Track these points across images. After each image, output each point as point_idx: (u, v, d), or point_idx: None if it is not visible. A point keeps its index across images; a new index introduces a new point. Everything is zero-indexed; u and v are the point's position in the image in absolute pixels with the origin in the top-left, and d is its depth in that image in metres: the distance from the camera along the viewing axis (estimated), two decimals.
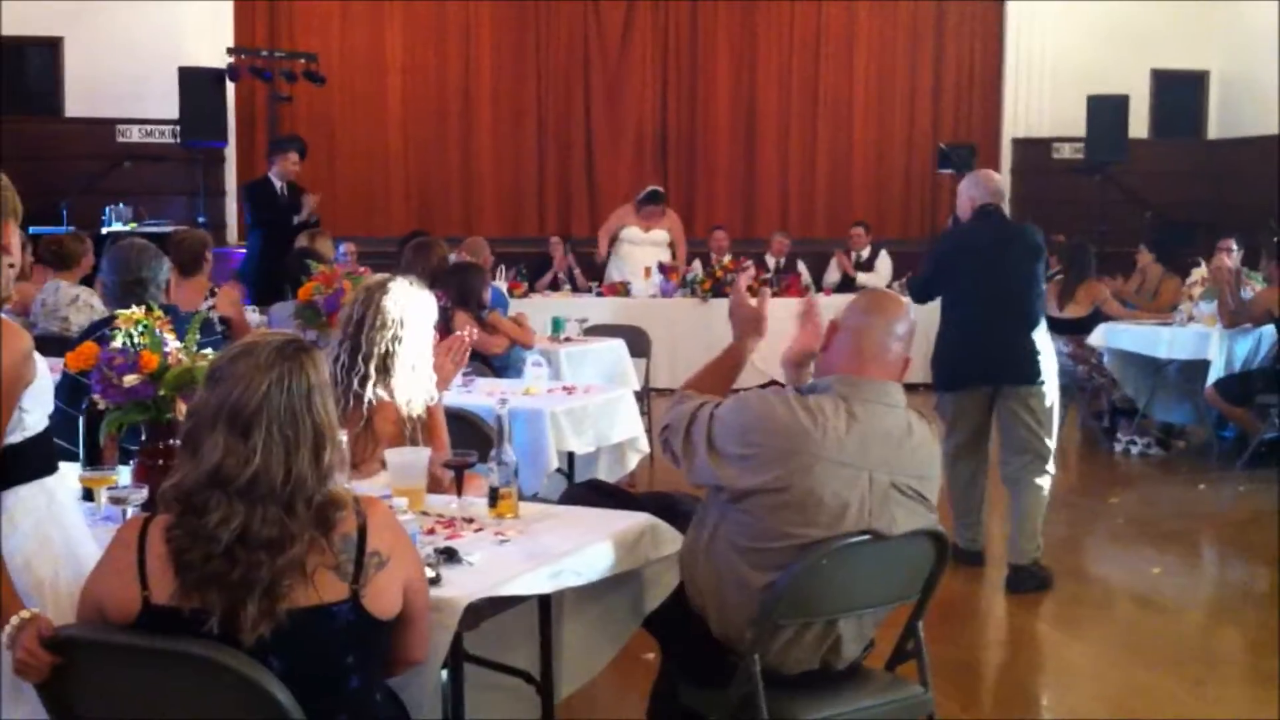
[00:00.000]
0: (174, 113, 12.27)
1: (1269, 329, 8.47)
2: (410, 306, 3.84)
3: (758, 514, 3.07)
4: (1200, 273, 10.21)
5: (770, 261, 12.70)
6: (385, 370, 3.78)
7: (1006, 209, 6.52)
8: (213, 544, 2.29)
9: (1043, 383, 5.88)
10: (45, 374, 2.67)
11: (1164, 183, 14.10)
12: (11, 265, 2.70)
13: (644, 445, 6.23)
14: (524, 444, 5.09)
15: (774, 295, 11.34)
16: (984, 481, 6.17)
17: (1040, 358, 5.89)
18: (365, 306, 3.82)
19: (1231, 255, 10.01)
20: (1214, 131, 14.88)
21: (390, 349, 3.78)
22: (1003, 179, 6.60)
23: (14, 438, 2.58)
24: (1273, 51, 13.36)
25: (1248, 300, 8.65)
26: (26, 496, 2.64)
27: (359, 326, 3.80)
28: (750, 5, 14.35)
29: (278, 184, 10.38)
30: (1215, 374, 8.57)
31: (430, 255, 7.12)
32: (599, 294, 11.72)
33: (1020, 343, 5.89)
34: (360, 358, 3.78)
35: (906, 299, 3.77)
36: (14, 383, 2.53)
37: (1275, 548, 6.62)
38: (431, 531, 3.13)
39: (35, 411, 2.63)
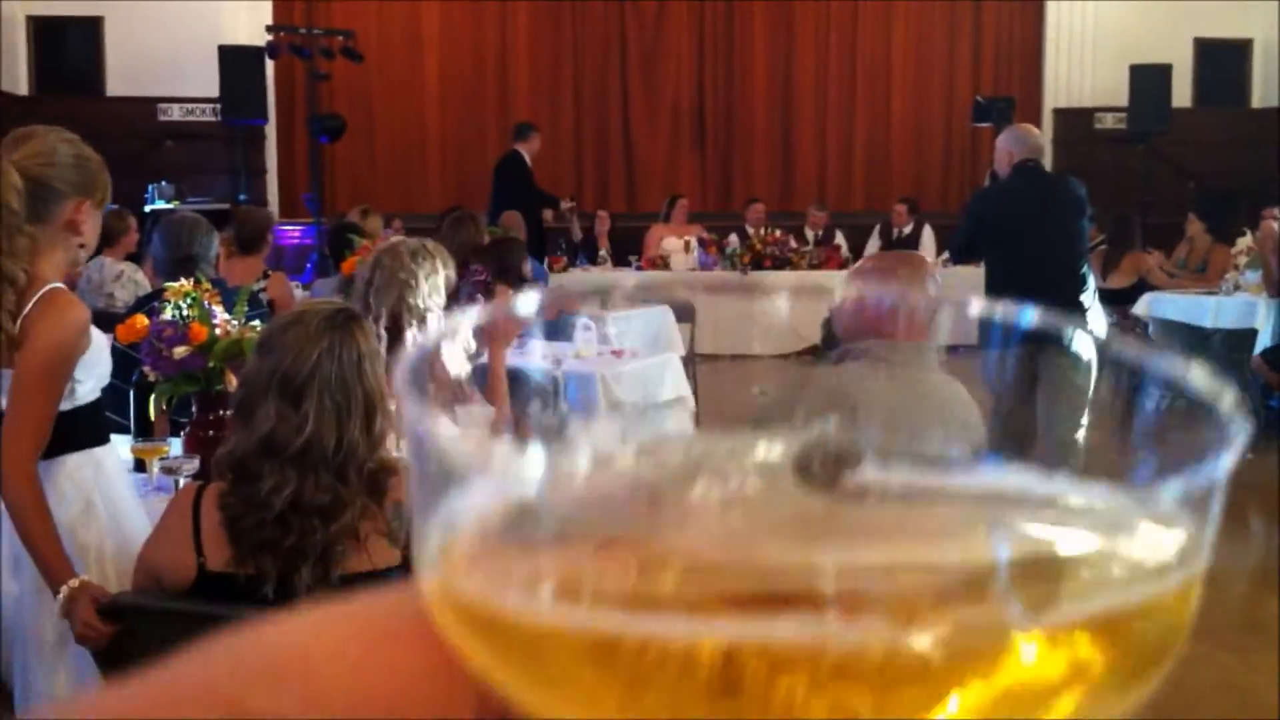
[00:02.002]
0: (214, 91, 12.34)
1: None
2: (417, 267, 3.85)
3: None
4: (1246, 241, 10.12)
5: (809, 234, 12.66)
6: (396, 331, 3.78)
7: (1046, 165, 6.47)
8: (266, 511, 2.31)
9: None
10: (101, 346, 2.70)
11: (1208, 152, 13.95)
12: (82, 245, 2.74)
13: (692, 404, 6.29)
14: (576, 406, 5.12)
15: (812, 267, 11.42)
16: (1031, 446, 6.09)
17: (1088, 316, 5.83)
18: (373, 269, 3.84)
19: (1277, 223, 9.90)
20: (1258, 100, 14.70)
21: (398, 309, 3.79)
22: (1041, 134, 6.44)
23: (63, 406, 2.62)
24: None
25: None
26: (73, 465, 2.68)
27: (366, 287, 3.83)
28: None
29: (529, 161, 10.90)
30: (1262, 343, 8.50)
31: (469, 228, 7.16)
32: (639, 267, 11.73)
33: (1066, 302, 5.85)
34: (370, 319, 3.80)
35: (931, 257, 3.73)
36: (69, 353, 2.57)
37: None
38: None
39: (87, 382, 2.67)
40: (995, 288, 6.10)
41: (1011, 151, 6.05)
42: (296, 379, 2.36)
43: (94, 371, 2.70)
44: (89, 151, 2.72)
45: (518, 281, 6.84)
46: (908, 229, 12.65)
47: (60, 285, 2.62)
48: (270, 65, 12.58)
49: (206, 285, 3.46)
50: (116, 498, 2.78)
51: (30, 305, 2.55)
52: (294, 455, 2.33)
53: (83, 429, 2.71)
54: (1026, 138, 6.11)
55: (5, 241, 2.53)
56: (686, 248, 11.78)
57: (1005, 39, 14.76)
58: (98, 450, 2.76)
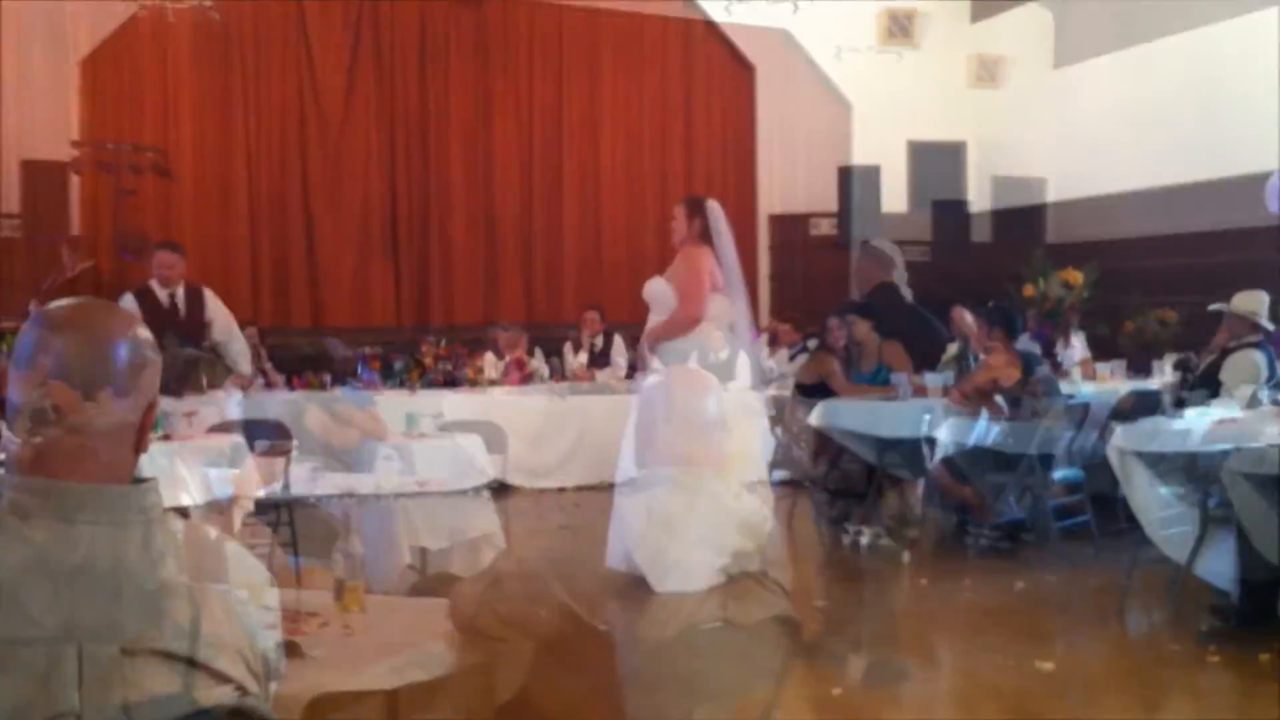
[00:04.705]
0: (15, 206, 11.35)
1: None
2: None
3: None
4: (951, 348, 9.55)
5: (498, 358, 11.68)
6: None
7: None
8: None
9: None
10: None
11: (923, 254, 13.53)
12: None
13: (500, 541, 6.28)
14: (375, 539, 5.12)
15: (492, 385, 10.74)
16: None
17: None
18: None
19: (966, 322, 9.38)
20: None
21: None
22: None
23: None
24: (1030, 121, 13.32)
25: (975, 369, 8.07)
26: None
27: None
28: (484, 78, 13.51)
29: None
30: (942, 450, 7.88)
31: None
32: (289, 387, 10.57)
33: None
34: None
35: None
36: None
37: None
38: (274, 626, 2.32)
39: None
40: None
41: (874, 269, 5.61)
42: None
43: None
44: None
45: None
46: (599, 340, 11.81)
47: None
48: (75, 180, 11.58)
49: None
50: None
51: None
52: None
53: None
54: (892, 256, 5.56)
55: None
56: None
57: (718, 142, 14.30)
58: None
